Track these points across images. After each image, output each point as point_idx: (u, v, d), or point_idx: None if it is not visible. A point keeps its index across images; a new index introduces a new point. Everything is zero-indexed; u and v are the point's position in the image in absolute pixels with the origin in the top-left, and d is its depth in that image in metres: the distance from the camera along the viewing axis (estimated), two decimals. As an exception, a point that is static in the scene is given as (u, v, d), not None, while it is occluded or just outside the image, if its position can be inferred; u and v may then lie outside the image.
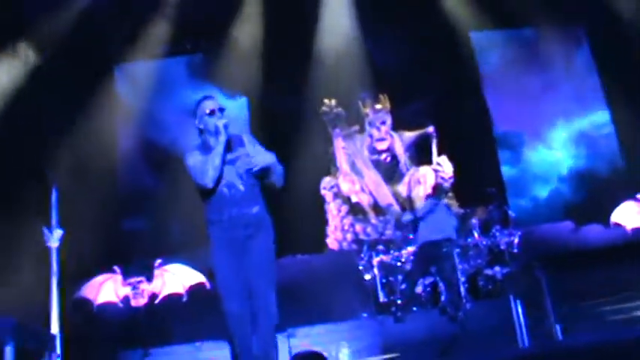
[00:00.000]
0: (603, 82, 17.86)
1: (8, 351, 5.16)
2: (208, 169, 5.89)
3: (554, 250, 13.50)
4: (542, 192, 17.44)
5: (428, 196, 13.68)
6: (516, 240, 13.52)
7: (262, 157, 6.17)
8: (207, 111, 6.12)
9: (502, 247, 13.47)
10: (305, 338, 11.72)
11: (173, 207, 15.77)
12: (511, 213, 14.99)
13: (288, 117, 16.87)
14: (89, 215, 13.92)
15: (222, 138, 5.95)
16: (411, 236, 13.17)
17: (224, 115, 6.15)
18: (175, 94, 17.58)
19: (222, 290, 6.11)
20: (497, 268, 13.01)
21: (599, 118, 17.83)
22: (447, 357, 9.52)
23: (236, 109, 17.15)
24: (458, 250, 12.77)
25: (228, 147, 6.03)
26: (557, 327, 6.59)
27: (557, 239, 14.10)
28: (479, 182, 15.55)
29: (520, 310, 7.34)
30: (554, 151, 17.70)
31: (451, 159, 16.03)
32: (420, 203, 14.85)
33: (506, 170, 17.55)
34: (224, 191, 6.01)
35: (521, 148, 17.74)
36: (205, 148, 6.05)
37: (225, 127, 5.99)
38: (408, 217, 13.47)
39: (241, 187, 6.07)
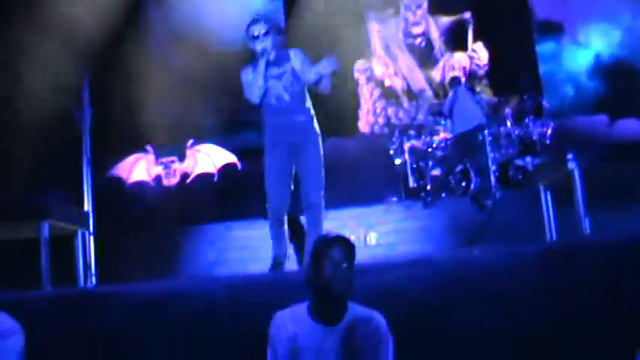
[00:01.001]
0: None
1: (44, 227, 5.27)
2: (254, 86, 6.42)
3: (587, 143, 13.35)
4: (579, 83, 17.12)
5: (450, 82, 13.35)
6: (549, 131, 13.39)
7: (309, 70, 6.54)
8: (254, 34, 6.52)
9: (534, 138, 13.37)
10: (333, 221, 11.81)
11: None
12: (545, 103, 14.84)
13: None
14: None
15: (263, 60, 6.42)
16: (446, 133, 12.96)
17: (268, 36, 6.51)
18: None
19: (267, 189, 6.55)
20: (528, 159, 12.94)
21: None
22: (474, 245, 9.57)
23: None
24: (490, 138, 12.71)
25: (277, 62, 6.50)
26: (587, 221, 6.57)
27: (591, 132, 13.88)
28: (514, 71, 15.33)
29: (550, 202, 7.31)
30: (593, 43, 17.25)
31: (487, 46, 15.82)
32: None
33: (543, 60, 17.18)
34: (272, 102, 6.47)
35: (560, 39, 17.30)
36: (256, 66, 6.49)
37: (264, 51, 6.45)
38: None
39: (287, 98, 6.48)
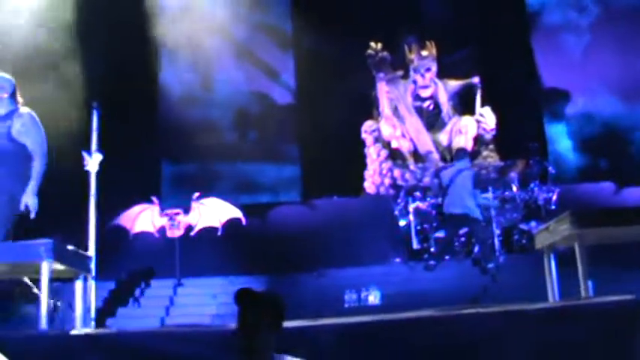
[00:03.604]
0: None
1: (45, 267, 5.27)
2: None
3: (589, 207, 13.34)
4: (584, 151, 17.18)
5: (457, 153, 13.40)
6: (554, 197, 13.42)
7: None
8: None
9: (540, 203, 13.39)
10: (335, 279, 11.81)
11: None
12: (551, 169, 14.87)
13: (333, 59, 16.82)
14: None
15: None
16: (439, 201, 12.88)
17: None
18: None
19: None
20: (533, 223, 12.92)
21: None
22: (476, 306, 9.52)
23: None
24: (495, 202, 12.74)
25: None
26: (590, 284, 6.54)
27: (596, 199, 13.92)
28: (521, 136, 15.42)
29: (553, 265, 7.28)
30: (598, 112, 17.34)
31: (494, 110, 15.92)
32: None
33: (549, 126, 17.28)
34: None
35: (565, 106, 17.43)
36: None
37: None
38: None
39: None
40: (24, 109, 6.56)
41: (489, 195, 12.89)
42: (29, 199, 6.26)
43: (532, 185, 13.63)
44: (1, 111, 6.49)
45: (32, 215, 6.24)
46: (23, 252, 5.48)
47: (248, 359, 3.69)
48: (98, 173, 6.97)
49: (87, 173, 7.00)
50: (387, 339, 4.84)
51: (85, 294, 5.95)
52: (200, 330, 5.13)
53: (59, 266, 5.53)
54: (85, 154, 6.95)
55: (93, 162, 6.92)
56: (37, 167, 6.39)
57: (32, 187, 6.32)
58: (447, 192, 11.67)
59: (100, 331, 5.73)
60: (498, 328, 4.85)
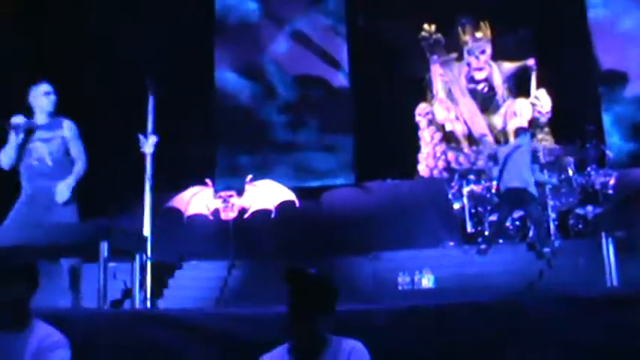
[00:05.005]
0: None
1: (103, 247, 5.35)
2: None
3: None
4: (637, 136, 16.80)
5: (516, 131, 13.18)
6: (612, 181, 13.19)
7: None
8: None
9: (596, 187, 13.18)
10: (389, 262, 11.77)
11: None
12: (609, 153, 14.63)
13: (387, 41, 16.73)
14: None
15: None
16: (494, 184, 12.64)
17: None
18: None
19: None
20: (589, 208, 12.74)
21: None
22: (532, 292, 9.43)
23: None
24: (549, 186, 12.57)
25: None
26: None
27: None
28: (577, 119, 15.19)
29: (612, 250, 7.17)
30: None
31: (550, 93, 15.70)
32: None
33: (606, 109, 16.95)
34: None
35: (623, 88, 17.08)
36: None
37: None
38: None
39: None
40: (63, 119, 6.85)
41: (546, 175, 12.69)
42: (63, 188, 6.44)
43: (589, 169, 13.42)
44: (47, 120, 6.77)
45: (59, 201, 6.40)
46: (81, 233, 5.57)
47: (299, 340, 3.68)
48: (153, 155, 7.02)
49: (143, 155, 7.06)
50: (441, 324, 4.82)
51: (141, 274, 6.01)
52: (253, 311, 5.14)
53: (117, 245, 5.62)
54: (140, 137, 7.01)
55: (148, 144, 6.98)
56: (78, 168, 6.64)
57: (70, 181, 6.54)
58: (505, 168, 11.44)
59: (157, 309, 5.79)
60: (556, 314, 4.79)
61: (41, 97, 6.76)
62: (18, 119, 6.62)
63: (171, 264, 12.41)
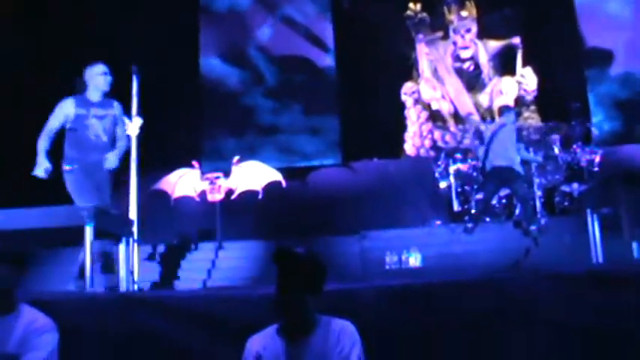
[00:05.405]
0: None
1: (88, 231, 5.34)
2: None
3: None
4: (628, 112, 16.82)
5: (501, 109, 13.15)
6: (598, 158, 13.24)
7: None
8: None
9: (582, 165, 13.22)
10: (376, 241, 11.81)
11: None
12: (594, 130, 14.67)
13: (371, 20, 16.68)
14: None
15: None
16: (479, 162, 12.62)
17: None
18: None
19: None
20: (575, 185, 12.79)
21: None
22: (518, 269, 9.45)
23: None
24: (535, 164, 12.59)
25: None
26: (634, 245, 6.46)
27: (638, 161, 13.69)
28: (563, 97, 15.21)
29: (597, 227, 7.19)
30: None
31: (536, 71, 15.72)
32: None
33: (591, 87, 16.96)
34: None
35: (608, 67, 17.08)
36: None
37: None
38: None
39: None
40: (113, 99, 7.17)
41: (531, 154, 12.71)
42: (113, 158, 6.88)
43: (574, 147, 13.46)
44: (100, 99, 7.06)
45: (108, 167, 6.83)
46: (66, 216, 5.55)
47: (288, 321, 3.68)
48: (139, 138, 7.03)
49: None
50: (429, 302, 4.83)
51: (128, 257, 6.00)
52: (241, 292, 5.15)
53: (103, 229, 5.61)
54: (125, 119, 7.01)
55: (133, 126, 6.98)
56: (122, 144, 7.03)
57: (118, 152, 6.96)
58: (490, 146, 11.41)
59: (144, 292, 5.78)
60: (542, 293, 4.80)
61: (98, 77, 7.03)
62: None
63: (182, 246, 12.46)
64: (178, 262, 11.84)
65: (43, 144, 6.80)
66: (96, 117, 6.92)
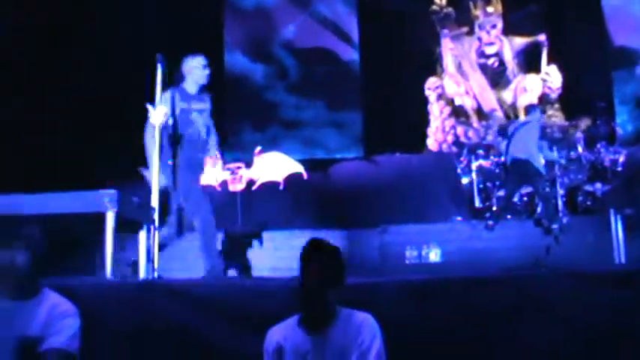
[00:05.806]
0: None
1: (110, 217, 5.37)
2: None
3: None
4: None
5: (527, 108, 13.10)
6: (622, 158, 13.11)
7: None
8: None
9: (606, 164, 13.12)
10: (397, 236, 11.79)
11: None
12: (619, 130, 14.56)
13: (397, 15, 16.64)
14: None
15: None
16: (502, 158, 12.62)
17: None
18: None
19: None
20: (598, 185, 12.69)
21: None
22: (539, 268, 9.43)
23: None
24: (562, 161, 12.54)
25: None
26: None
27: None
28: (588, 96, 15.10)
29: (620, 227, 7.16)
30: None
31: (561, 69, 15.62)
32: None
33: (618, 86, 16.84)
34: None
35: (634, 67, 16.96)
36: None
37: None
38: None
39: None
40: (206, 92, 7.37)
41: (555, 153, 12.67)
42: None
43: (598, 146, 13.35)
44: (197, 92, 7.25)
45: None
46: (88, 202, 5.57)
47: (310, 312, 3.69)
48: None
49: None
50: (448, 298, 4.83)
51: (148, 245, 6.03)
52: (262, 283, 5.16)
53: (124, 215, 5.63)
54: (149, 107, 6.99)
55: (157, 115, 6.96)
56: (216, 140, 7.50)
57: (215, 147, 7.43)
58: (511, 141, 11.39)
59: (164, 280, 5.81)
60: (563, 291, 4.79)
61: (197, 70, 7.10)
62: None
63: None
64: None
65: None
66: (196, 111, 7.02)
